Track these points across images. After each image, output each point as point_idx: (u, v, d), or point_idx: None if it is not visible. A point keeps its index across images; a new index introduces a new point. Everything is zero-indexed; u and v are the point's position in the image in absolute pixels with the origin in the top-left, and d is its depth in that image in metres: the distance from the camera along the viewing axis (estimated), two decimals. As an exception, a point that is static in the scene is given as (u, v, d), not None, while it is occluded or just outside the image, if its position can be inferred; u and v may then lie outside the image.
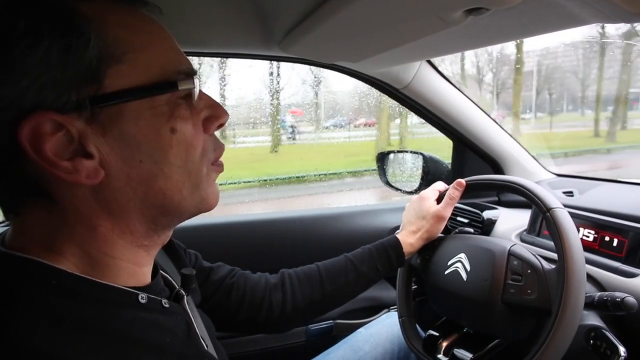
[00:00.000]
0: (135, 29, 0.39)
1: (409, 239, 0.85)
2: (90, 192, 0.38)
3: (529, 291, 0.70)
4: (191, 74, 0.42)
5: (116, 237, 0.41)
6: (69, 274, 0.38)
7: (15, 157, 0.35)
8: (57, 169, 0.35)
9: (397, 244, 0.83)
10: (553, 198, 0.70)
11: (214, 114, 0.45)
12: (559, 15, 0.51)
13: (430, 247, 0.87)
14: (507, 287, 0.72)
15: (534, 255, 0.73)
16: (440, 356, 0.85)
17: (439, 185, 0.91)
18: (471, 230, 1.01)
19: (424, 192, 0.89)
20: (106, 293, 0.39)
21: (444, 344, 0.86)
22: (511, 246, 0.75)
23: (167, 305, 0.45)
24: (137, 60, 0.38)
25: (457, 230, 0.97)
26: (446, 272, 0.81)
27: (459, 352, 0.84)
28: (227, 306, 0.74)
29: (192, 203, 0.43)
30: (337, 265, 0.81)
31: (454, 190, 0.85)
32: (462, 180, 0.86)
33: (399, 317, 0.95)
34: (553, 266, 0.68)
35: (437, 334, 0.87)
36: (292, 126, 7.99)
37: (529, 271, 0.71)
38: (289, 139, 8.07)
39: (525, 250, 0.75)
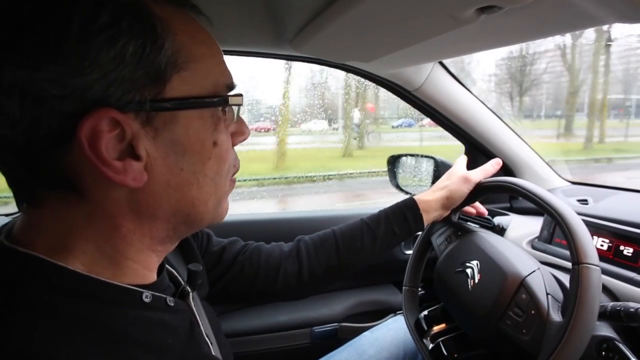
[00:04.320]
0: (197, 38, 0.39)
1: (427, 196, 0.83)
2: (126, 193, 0.38)
3: (524, 331, 0.66)
4: (233, 88, 0.43)
5: (135, 240, 0.40)
6: (72, 271, 0.37)
7: (60, 147, 0.34)
8: (108, 168, 0.35)
9: (413, 204, 0.81)
10: (592, 251, 0.61)
11: (239, 130, 0.46)
12: (574, 15, 0.49)
13: (455, 233, 0.86)
14: (505, 317, 0.69)
15: (547, 295, 0.67)
16: (425, 341, 0.85)
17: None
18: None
19: (458, 160, 0.89)
20: (109, 292, 0.39)
21: (434, 330, 0.85)
22: (527, 276, 0.69)
23: (171, 304, 0.44)
24: (196, 70, 0.38)
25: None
26: (456, 271, 0.79)
27: (444, 344, 0.82)
28: (242, 281, 0.74)
29: (210, 216, 0.44)
30: (353, 230, 0.80)
31: (490, 166, 0.85)
32: (501, 161, 0.87)
33: (403, 286, 0.94)
34: (558, 319, 0.63)
35: (429, 314, 0.88)
36: (358, 124, 7.39)
37: (532, 312, 0.66)
38: (355, 140, 7.31)
39: (541, 285, 0.68)
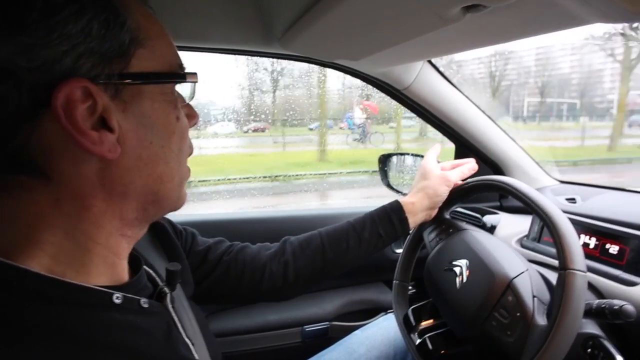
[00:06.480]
0: (150, 19, 0.41)
1: (411, 198, 0.83)
2: (97, 169, 0.38)
3: (508, 333, 0.66)
4: (184, 69, 0.44)
5: (106, 222, 0.40)
6: (34, 273, 0.35)
7: (28, 123, 0.34)
8: (85, 138, 0.35)
9: (398, 206, 0.81)
10: (579, 256, 0.61)
11: (190, 113, 0.48)
12: (558, 14, 0.50)
13: (446, 231, 0.86)
14: (491, 318, 0.69)
15: (533, 297, 0.67)
16: (413, 335, 0.85)
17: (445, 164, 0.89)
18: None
19: (427, 153, 0.89)
20: (75, 294, 0.37)
21: (422, 325, 0.85)
22: (514, 277, 0.69)
23: (145, 305, 0.43)
24: (154, 48, 0.40)
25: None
26: (445, 269, 0.80)
27: (431, 340, 0.82)
28: (227, 282, 0.74)
29: (174, 197, 0.45)
30: (339, 231, 0.80)
31: (467, 170, 0.86)
32: (476, 167, 0.87)
33: (394, 280, 0.95)
34: (542, 323, 0.64)
35: (418, 308, 0.88)
36: (360, 125, 7.01)
37: (518, 314, 0.66)
38: (355, 141, 6.87)
39: (527, 287, 0.68)
